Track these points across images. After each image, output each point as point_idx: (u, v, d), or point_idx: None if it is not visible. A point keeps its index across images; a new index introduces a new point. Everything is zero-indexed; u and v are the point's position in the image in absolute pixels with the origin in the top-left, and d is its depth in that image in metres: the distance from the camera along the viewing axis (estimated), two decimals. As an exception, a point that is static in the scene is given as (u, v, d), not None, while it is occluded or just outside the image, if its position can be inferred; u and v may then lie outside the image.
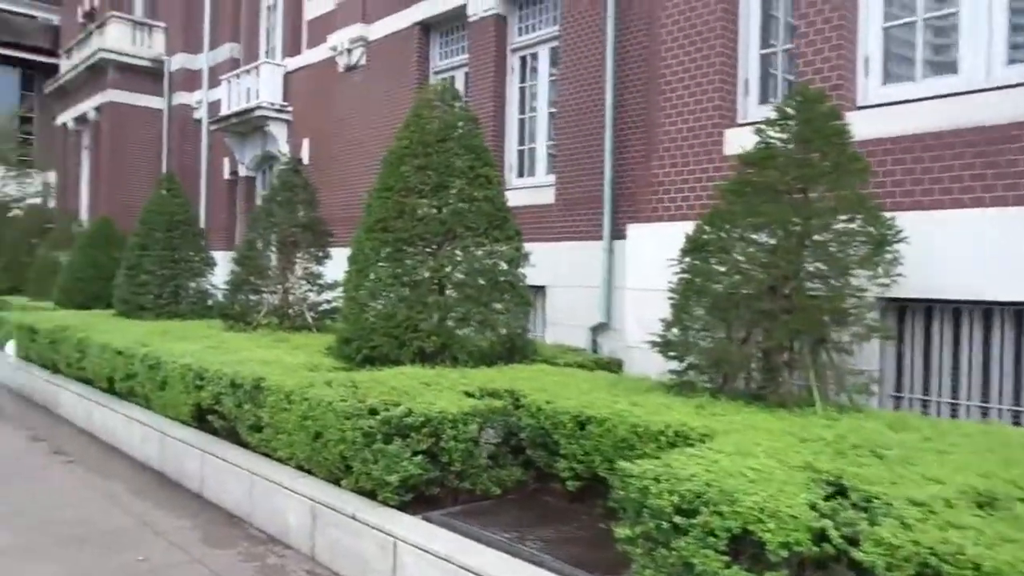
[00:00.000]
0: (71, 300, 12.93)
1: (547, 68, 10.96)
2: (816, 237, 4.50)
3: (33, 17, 35.70)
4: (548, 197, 10.21)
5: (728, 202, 4.73)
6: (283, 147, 15.77)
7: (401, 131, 6.74)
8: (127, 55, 18.69)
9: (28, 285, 16.54)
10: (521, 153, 11.30)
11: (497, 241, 6.45)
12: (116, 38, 18.65)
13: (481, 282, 6.27)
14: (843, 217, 4.46)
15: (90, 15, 24.30)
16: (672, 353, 5.00)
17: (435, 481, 4.30)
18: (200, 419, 6.19)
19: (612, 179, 9.39)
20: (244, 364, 5.93)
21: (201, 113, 18.63)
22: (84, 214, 20.67)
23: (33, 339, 9.91)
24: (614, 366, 7.59)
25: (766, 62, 6.63)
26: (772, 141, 4.70)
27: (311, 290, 9.36)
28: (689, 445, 3.77)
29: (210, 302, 11.32)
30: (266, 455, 5.24)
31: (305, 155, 15.20)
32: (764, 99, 6.59)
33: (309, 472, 4.82)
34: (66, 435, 7.49)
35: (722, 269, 4.65)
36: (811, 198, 4.64)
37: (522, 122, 11.35)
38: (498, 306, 6.34)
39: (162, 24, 19.41)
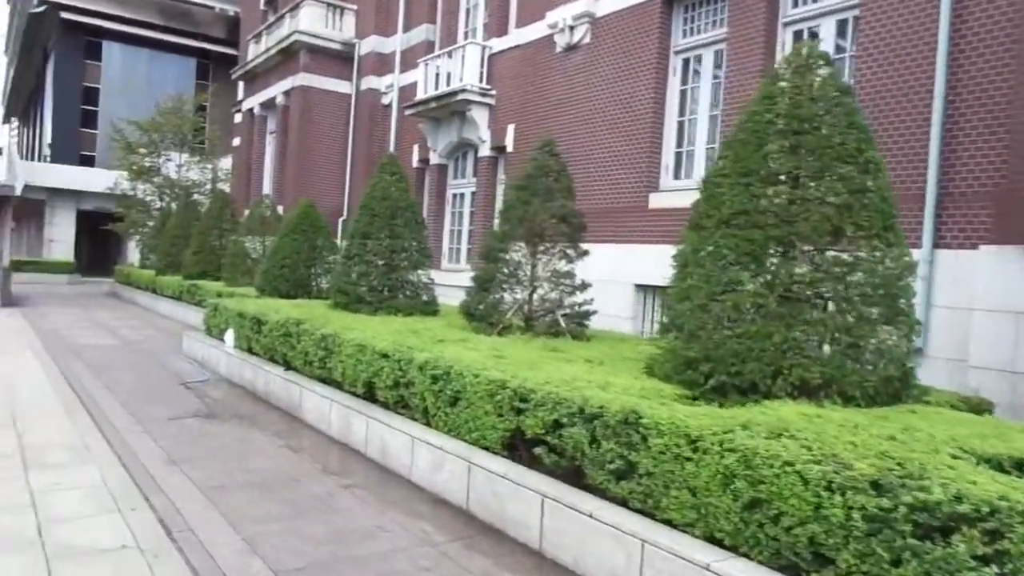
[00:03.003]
0: (275, 288, 12.42)
1: (832, 44, 9.35)
2: None
3: (210, 7, 37.00)
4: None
5: None
6: (484, 133, 14.84)
7: (757, 103, 5.39)
8: (320, 37, 18.38)
9: (222, 271, 16.40)
10: (789, 142, 9.73)
11: (890, 246, 5.00)
12: (310, 20, 18.37)
13: (875, 298, 4.85)
14: None
15: (271, 2, 24.46)
16: None
17: (987, 600, 2.91)
18: (510, 447, 5.09)
19: (938, 176, 7.72)
20: (573, 385, 4.77)
21: (391, 98, 18.06)
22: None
23: (259, 330, 9.25)
24: (985, 405, 5.99)
25: None
26: None
27: (564, 290, 8.21)
28: None
29: (424, 296, 10.42)
30: (640, 511, 4.02)
31: (509, 142, 14.21)
32: None
33: (732, 549, 3.55)
34: (322, 447, 6.62)
35: None
36: None
37: (791, 107, 9.77)
38: (890, 329, 4.90)
39: (353, 6, 19.00)
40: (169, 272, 19.78)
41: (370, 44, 18.52)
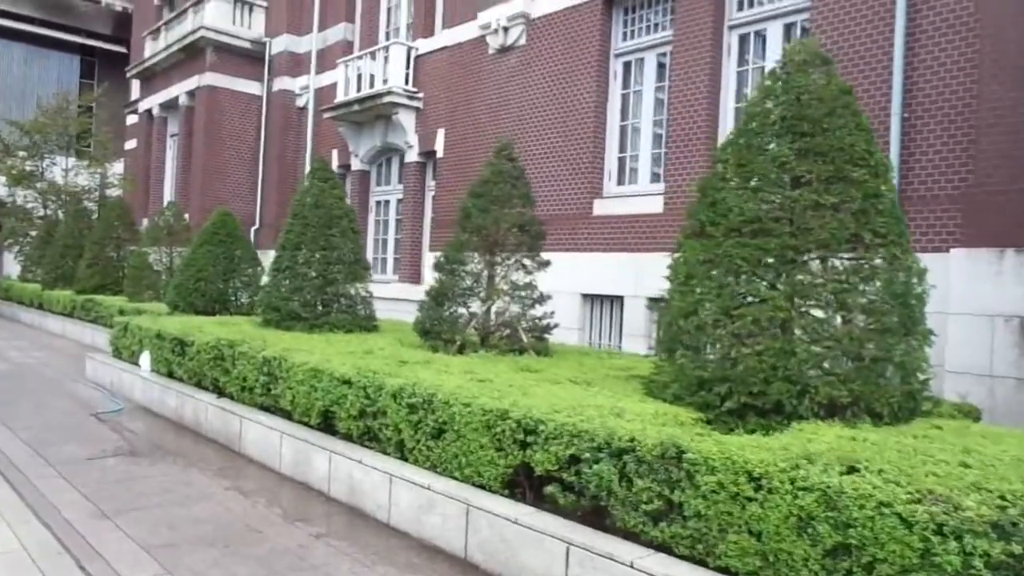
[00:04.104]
0: (190, 304, 11.41)
1: (780, 48, 9.26)
2: None
3: (95, 1, 34.55)
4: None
5: None
6: (411, 137, 14.18)
7: (758, 102, 5.08)
8: (227, 35, 17.26)
9: (124, 284, 15.04)
10: (739, 147, 9.59)
11: (905, 252, 4.77)
12: (216, 16, 17.21)
13: (895, 308, 4.60)
14: None
15: (168, -2, 22.96)
16: None
17: None
18: (510, 485, 4.55)
19: (899, 180, 7.69)
20: (584, 414, 4.30)
21: (306, 100, 17.11)
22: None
23: (183, 353, 8.32)
24: (975, 413, 5.88)
25: None
26: None
27: (525, 303, 7.74)
28: None
29: (363, 311, 9.70)
30: (688, 559, 3.56)
31: (439, 147, 13.62)
32: None
33: (808, 602, 3.14)
34: (274, 487, 5.86)
35: None
36: None
37: (739, 112, 9.65)
38: (909, 339, 4.66)
39: (263, 3, 17.93)
40: (59, 286, 18.04)
41: (282, 43, 17.51)
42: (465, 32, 13.20)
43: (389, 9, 15.72)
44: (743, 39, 9.66)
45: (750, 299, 4.64)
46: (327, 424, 6.07)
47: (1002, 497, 2.87)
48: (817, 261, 4.68)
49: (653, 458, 3.71)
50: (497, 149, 7.96)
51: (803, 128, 4.79)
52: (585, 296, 10.75)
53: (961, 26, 7.45)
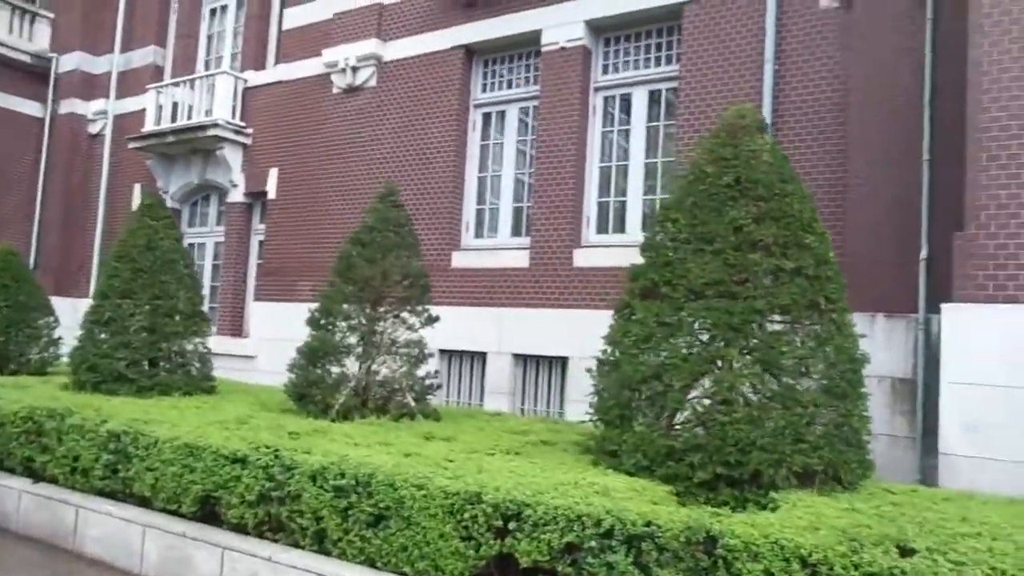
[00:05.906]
0: (-40, 360, 9.34)
1: (643, 113, 9.56)
2: None
3: None
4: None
5: None
6: (236, 176, 12.92)
7: (707, 164, 5.02)
8: (2, 45, 14.83)
9: None
10: (603, 207, 9.72)
11: (850, 318, 4.88)
12: (-12, 23, 14.77)
13: (849, 374, 4.66)
14: None
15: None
16: None
17: None
18: (478, 581, 3.95)
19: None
20: (566, 492, 3.85)
21: (102, 127, 15.10)
22: (-97, 241, 15.91)
23: (-24, 424, 6.66)
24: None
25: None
26: None
27: (411, 361, 7.12)
28: None
29: (200, 370, 8.47)
30: (723, 659, 3.21)
31: (271, 187, 12.54)
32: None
33: None
34: (139, 593, 4.71)
35: None
36: None
37: (604, 171, 9.79)
38: (860, 405, 4.74)
39: (49, 14, 15.71)
40: None
41: (74, 61, 15.39)
42: (305, 68, 12.35)
43: (210, 36, 14.40)
44: (608, 100, 9.86)
45: (719, 364, 4.48)
46: (206, 512, 5.03)
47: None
48: (778, 326, 4.64)
49: (679, 545, 3.34)
50: (381, 194, 7.35)
51: (758, 192, 4.79)
52: (443, 352, 10.22)
53: (829, 87, 8.03)
